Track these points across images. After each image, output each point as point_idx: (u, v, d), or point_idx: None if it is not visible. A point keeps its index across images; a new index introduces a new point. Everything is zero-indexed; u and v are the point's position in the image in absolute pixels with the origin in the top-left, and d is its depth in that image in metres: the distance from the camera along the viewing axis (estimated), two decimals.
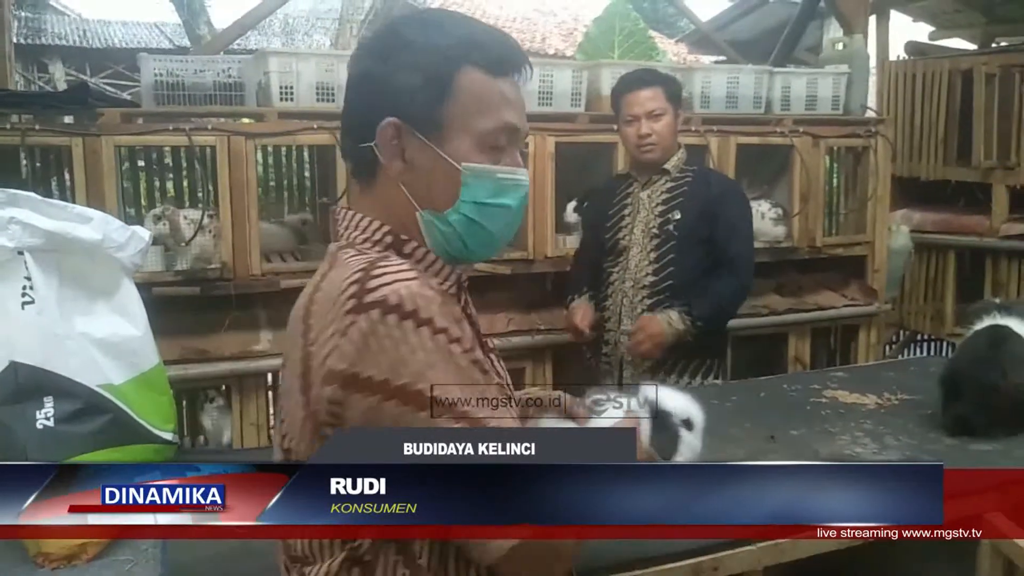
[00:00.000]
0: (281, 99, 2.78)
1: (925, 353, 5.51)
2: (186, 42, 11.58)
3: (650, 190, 2.63)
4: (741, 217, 2.66)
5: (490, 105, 1.01)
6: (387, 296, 0.89)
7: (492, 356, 1.09)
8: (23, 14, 13.35)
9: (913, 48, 5.09)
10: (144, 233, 1.78)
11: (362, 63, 1.04)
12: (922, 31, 5.70)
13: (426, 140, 1.00)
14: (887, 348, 4.96)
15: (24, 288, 1.59)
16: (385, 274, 0.92)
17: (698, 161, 2.68)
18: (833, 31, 5.19)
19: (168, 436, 1.75)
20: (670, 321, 2.49)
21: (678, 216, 2.58)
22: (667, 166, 2.61)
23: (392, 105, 1.00)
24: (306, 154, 3.85)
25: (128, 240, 1.72)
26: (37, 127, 2.55)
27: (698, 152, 3.16)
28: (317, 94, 2.82)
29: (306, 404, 0.93)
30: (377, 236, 1.02)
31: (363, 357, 0.88)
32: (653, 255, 2.60)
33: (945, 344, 5.00)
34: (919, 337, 5.41)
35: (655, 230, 2.60)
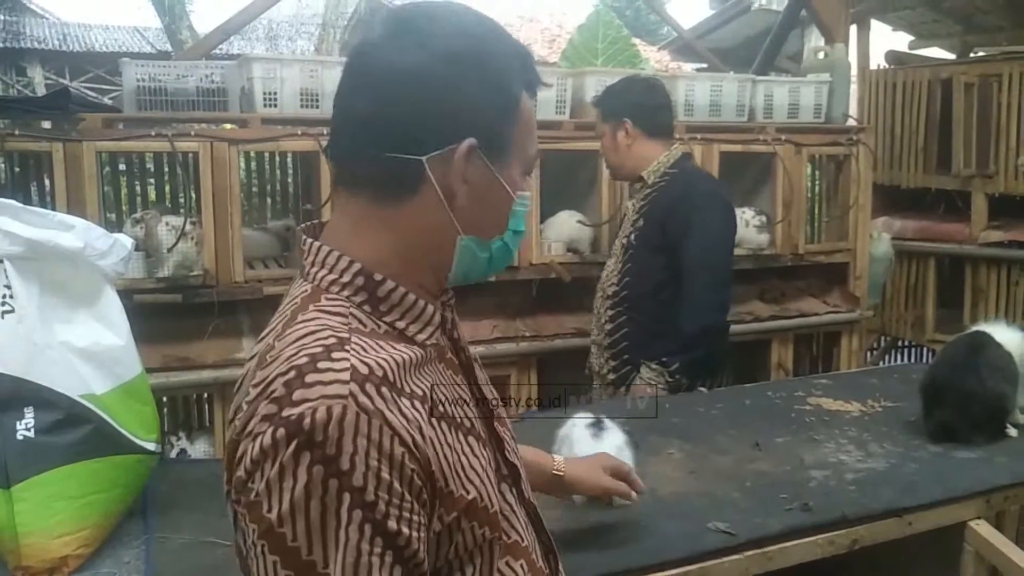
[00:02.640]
0: (265, 105, 2.77)
1: (906, 359, 5.57)
2: (168, 47, 11.51)
3: (634, 199, 2.62)
4: (701, 222, 2.45)
5: (533, 129, 0.94)
6: (303, 415, 0.72)
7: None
8: (1, 17, 13.23)
9: (893, 57, 5.14)
10: (127, 241, 1.75)
11: (420, 59, 0.83)
12: (902, 40, 5.76)
13: (489, 164, 0.87)
14: (868, 354, 5.00)
15: (3, 297, 1.55)
16: (318, 383, 0.74)
17: (685, 167, 2.58)
18: (814, 40, 5.24)
19: (151, 446, 1.73)
20: (649, 382, 2.44)
21: (641, 224, 2.53)
22: (643, 174, 2.55)
23: (470, 121, 0.85)
24: (289, 160, 3.84)
25: (110, 248, 1.70)
26: (16, 132, 2.52)
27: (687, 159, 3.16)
28: (301, 100, 2.80)
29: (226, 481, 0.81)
30: (347, 278, 0.85)
31: (254, 476, 0.74)
32: (620, 266, 2.57)
33: (926, 350, 5.05)
34: (900, 343, 5.47)
35: (625, 240, 2.58)
